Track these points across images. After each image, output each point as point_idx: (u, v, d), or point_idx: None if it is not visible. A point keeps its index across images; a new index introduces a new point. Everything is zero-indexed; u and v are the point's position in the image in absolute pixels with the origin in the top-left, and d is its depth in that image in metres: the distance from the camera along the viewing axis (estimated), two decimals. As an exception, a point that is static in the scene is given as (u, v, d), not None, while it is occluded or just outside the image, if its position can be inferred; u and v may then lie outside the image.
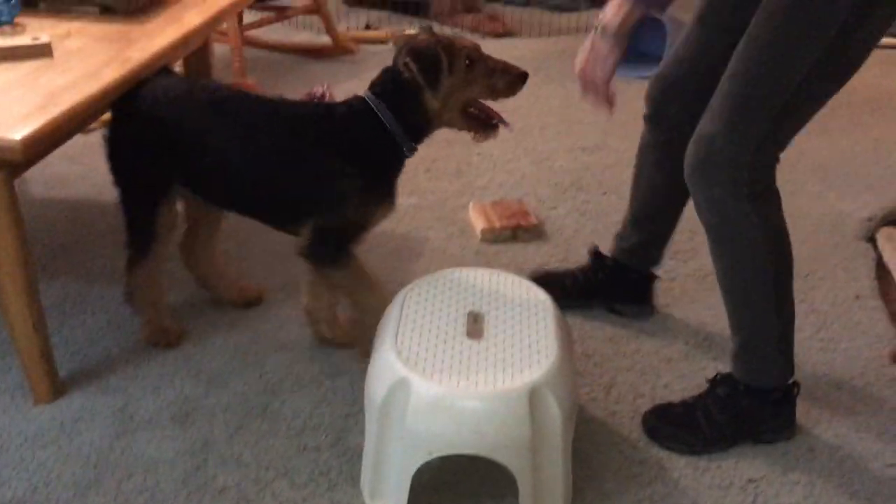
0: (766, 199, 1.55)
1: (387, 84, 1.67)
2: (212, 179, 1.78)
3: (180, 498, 1.55)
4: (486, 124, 1.72)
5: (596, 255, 2.09)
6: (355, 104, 1.69)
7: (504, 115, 1.72)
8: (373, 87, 1.69)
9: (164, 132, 1.72)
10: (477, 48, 1.68)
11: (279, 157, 1.69)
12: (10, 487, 1.56)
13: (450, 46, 1.64)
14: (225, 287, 2.05)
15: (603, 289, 2.05)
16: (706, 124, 1.51)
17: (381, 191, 1.72)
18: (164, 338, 1.91)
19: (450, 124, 1.71)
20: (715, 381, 1.71)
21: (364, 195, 1.69)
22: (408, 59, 1.61)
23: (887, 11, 1.41)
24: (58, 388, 1.78)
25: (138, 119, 1.75)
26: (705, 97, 1.54)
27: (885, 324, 2.08)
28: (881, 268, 2.30)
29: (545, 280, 2.00)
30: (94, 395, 1.79)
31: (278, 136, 1.69)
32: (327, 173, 1.67)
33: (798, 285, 2.20)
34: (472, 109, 1.70)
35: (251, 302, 2.07)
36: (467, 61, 1.64)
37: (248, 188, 1.75)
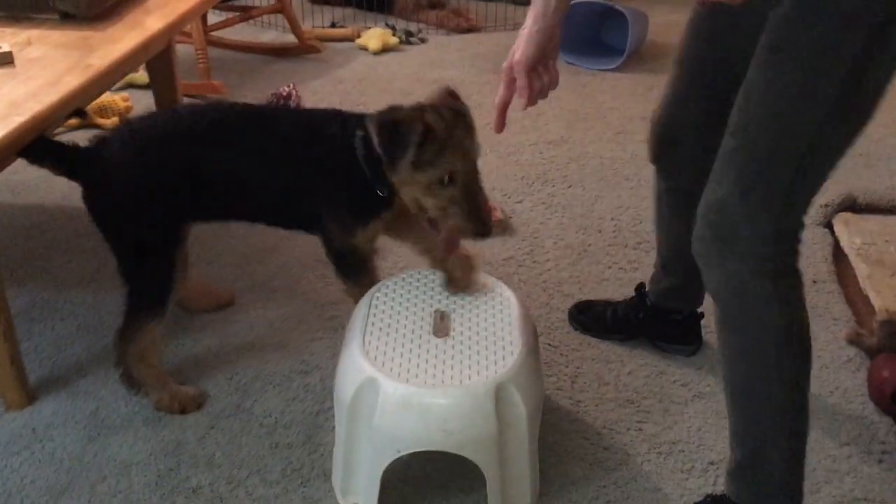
0: (790, 279, 1.30)
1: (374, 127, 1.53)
2: (221, 203, 1.70)
3: (154, 499, 1.57)
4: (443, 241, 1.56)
5: (639, 292, 1.96)
6: (345, 130, 1.60)
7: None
8: (373, 118, 1.54)
9: (162, 173, 1.63)
10: (471, 167, 1.53)
11: (283, 169, 1.64)
12: (-16, 494, 1.58)
13: (440, 139, 1.48)
14: (195, 297, 2.03)
15: (645, 328, 1.95)
16: (714, 188, 1.28)
17: (365, 217, 1.64)
18: (192, 404, 1.77)
19: (410, 207, 1.58)
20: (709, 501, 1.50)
21: (351, 219, 1.63)
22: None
23: None
24: (29, 395, 1.79)
25: (125, 173, 1.64)
26: (707, 144, 1.37)
27: (841, 307, 2.14)
28: (838, 252, 2.36)
29: (586, 309, 2.02)
30: (65, 400, 1.80)
31: (281, 149, 1.63)
32: (318, 195, 1.64)
33: (757, 272, 2.27)
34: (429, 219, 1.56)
35: (223, 305, 2.07)
36: (447, 177, 1.49)
37: (258, 202, 1.70)
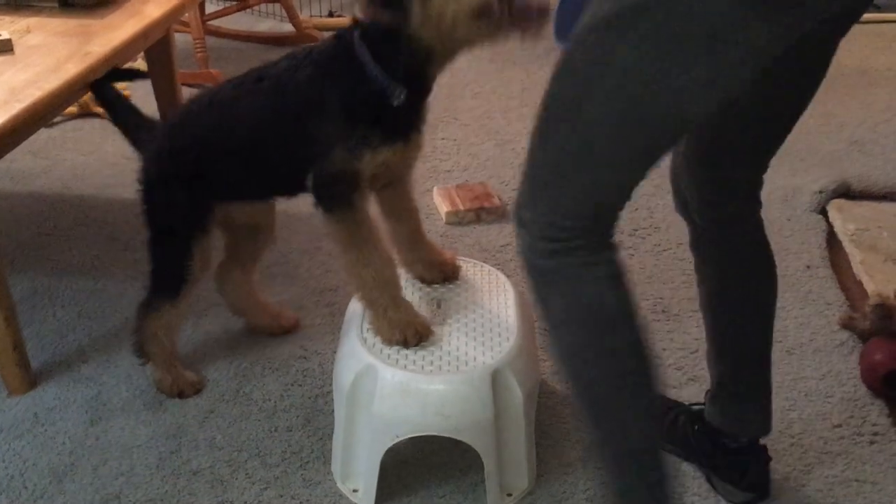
0: (572, 264, 1.17)
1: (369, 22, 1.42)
2: (232, 172, 1.65)
3: (156, 481, 1.59)
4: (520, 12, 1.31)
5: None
6: (338, 43, 1.49)
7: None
8: (361, 24, 1.44)
9: (191, 150, 1.65)
10: None
11: (274, 116, 1.55)
12: (-12, 477, 1.60)
13: None
14: (261, 315, 1.96)
15: (697, 451, 1.61)
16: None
17: (369, 136, 1.47)
18: (190, 389, 1.79)
19: (463, 44, 1.37)
20: None
21: (346, 139, 1.47)
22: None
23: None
24: (31, 380, 1.81)
25: (155, 154, 1.72)
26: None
27: (834, 292, 2.16)
28: (832, 238, 2.38)
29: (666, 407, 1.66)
30: (67, 385, 1.82)
31: (270, 95, 1.55)
32: (312, 117, 1.51)
33: (750, 257, 2.29)
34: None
35: (287, 330, 1.98)
36: None
37: (261, 162, 1.61)
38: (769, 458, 1.56)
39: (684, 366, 1.90)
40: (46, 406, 1.76)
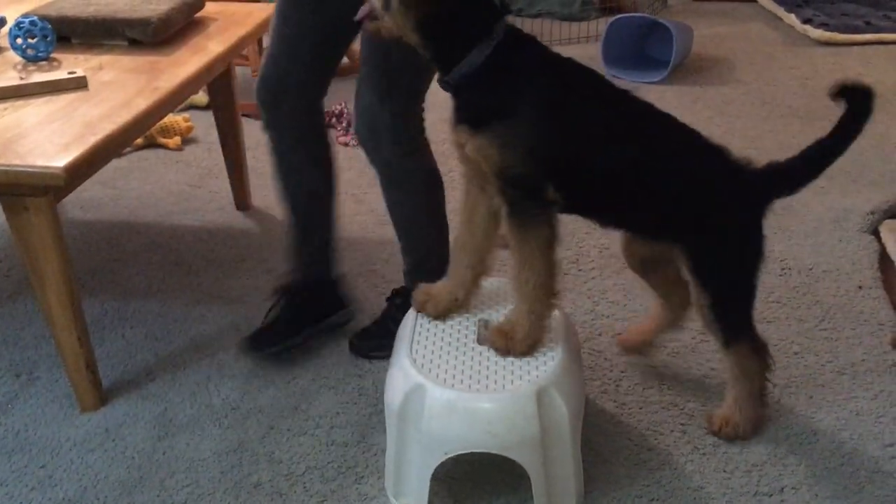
0: (420, 151, 1.87)
1: None
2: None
3: (218, 493, 1.66)
4: None
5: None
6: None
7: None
8: None
9: None
10: None
11: None
12: (62, 488, 1.69)
13: None
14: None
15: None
16: (361, 97, 1.82)
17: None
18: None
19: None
20: (394, 296, 2.06)
21: None
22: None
23: None
24: (102, 397, 1.91)
25: None
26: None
27: (886, 312, 2.15)
28: (884, 259, 2.37)
29: None
30: (135, 402, 1.91)
31: None
32: None
33: (802, 278, 2.30)
34: None
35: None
36: None
37: None
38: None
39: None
40: (116, 422, 1.86)
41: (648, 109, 1.59)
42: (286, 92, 1.86)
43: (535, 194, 1.51)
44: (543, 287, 1.57)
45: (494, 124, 1.47)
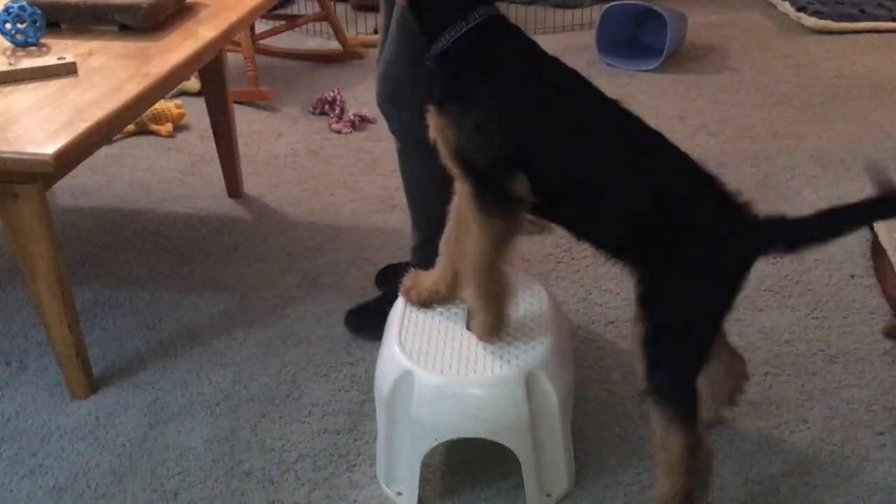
0: None
1: None
2: None
3: (210, 481, 1.66)
4: None
5: None
6: None
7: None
8: None
9: None
10: None
11: None
12: (53, 476, 1.68)
13: None
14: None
15: None
16: (385, 63, 1.84)
17: None
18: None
19: None
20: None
21: None
22: None
23: None
24: (93, 385, 1.90)
25: None
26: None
27: (878, 301, 2.16)
28: (876, 248, 2.37)
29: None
30: (126, 390, 1.91)
31: None
32: None
33: (794, 267, 2.30)
34: None
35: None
36: None
37: None
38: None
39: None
40: (107, 410, 1.85)
41: (632, 122, 1.46)
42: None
43: (496, 188, 1.45)
44: (481, 271, 1.53)
45: (452, 105, 1.45)
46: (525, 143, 1.43)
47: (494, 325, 1.58)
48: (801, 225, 1.41)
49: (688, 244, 1.42)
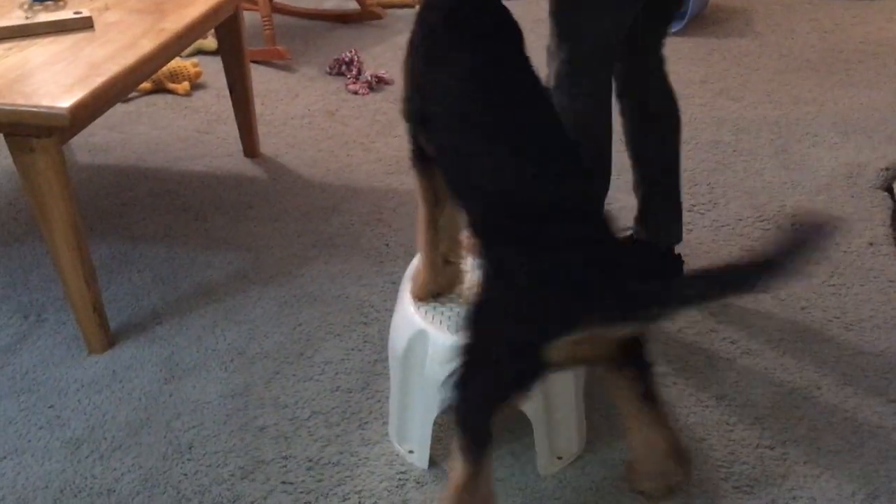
0: (598, 98, 1.81)
1: None
2: None
3: (223, 435, 1.68)
4: None
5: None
6: None
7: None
8: None
9: None
10: None
11: None
12: (70, 428, 1.71)
13: None
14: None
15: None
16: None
17: None
18: None
19: None
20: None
21: None
22: None
23: None
24: (109, 340, 1.92)
25: None
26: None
27: (897, 269, 2.13)
28: (896, 216, 2.35)
29: None
30: (142, 345, 1.92)
31: None
32: None
33: (811, 233, 2.27)
34: None
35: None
36: None
37: None
38: (683, 262, 2.03)
39: (738, 339, 1.91)
40: (123, 364, 1.87)
41: (541, 118, 1.37)
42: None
43: (413, 140, 1.52)
44: (420, 230, 1.53)
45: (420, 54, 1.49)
46: (428, 110, 1.45)
47: (428, 289, 1.58)
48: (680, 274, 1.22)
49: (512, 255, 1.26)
